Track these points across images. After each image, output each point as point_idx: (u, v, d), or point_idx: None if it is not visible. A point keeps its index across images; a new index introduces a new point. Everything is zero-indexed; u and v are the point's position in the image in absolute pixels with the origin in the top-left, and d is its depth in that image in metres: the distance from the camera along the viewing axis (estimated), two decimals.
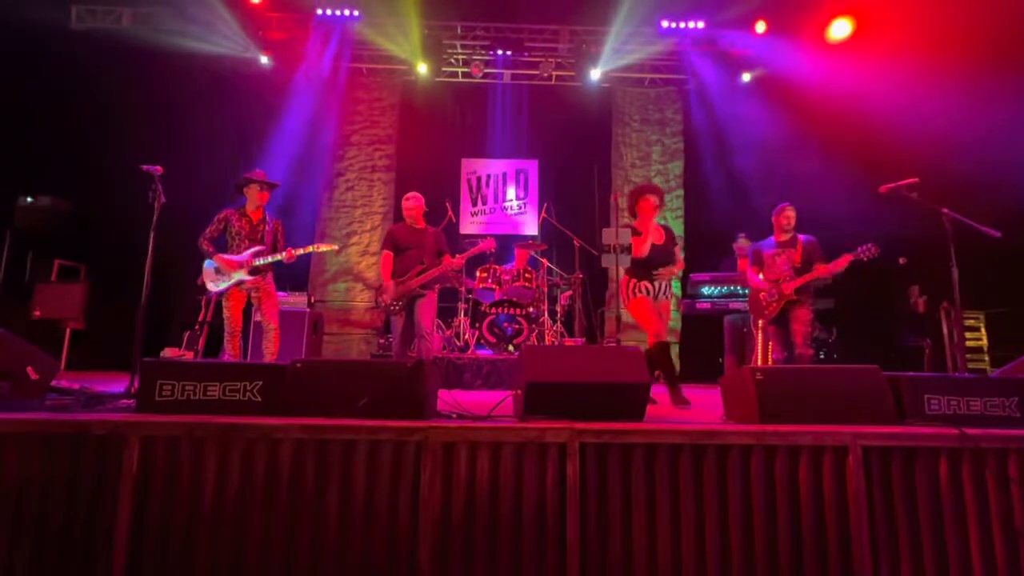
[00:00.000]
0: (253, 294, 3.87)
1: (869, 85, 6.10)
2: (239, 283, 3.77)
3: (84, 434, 1.90)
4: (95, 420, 1.94)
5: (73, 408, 2.26)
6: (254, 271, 3.79)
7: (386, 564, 1.86)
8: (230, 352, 3.76)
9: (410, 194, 4.16)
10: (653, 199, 3.63)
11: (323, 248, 4.17)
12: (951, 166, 4.88)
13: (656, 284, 3.59)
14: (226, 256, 3.78)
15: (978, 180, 4.87)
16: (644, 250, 3.53)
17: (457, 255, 4.14)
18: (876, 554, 1.90)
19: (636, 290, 3.60)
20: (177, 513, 1.88)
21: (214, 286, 3.79)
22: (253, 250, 3.80)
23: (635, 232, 3.62)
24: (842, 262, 3.71)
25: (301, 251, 3.91)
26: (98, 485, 1.89)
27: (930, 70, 5.55)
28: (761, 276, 4.00)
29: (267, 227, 3.91)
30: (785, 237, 3.98)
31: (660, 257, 3.58)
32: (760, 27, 7.04)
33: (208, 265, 3.81)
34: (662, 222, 3.77)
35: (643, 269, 3.59)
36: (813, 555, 1.89)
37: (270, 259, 3.82)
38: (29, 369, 2.37)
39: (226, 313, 3.80)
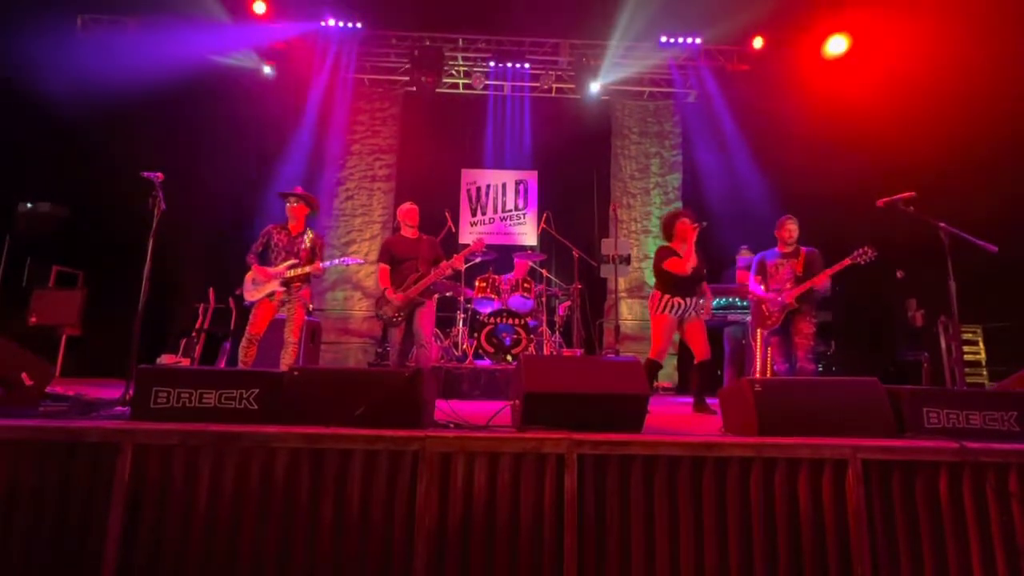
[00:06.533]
0: (286, 307, 3.93)
1: (866, 99, 6.16)
2: (271, 294, 3.86)
3: (77, 442, 1.88)
4: (89, 427, 1.92)
5: (67, 415, 2.23)
6: (287, 283, 3.88)
7: (381, 575, 1.83)
8: (242, 359, 3.76)
9: (404, 204, 4.22)
10: (688, 221, 3.77)
11: (351, 262, 4.24)
12: (949, 180, 4.91)
13: (688, 301, 3.71)
14: (263, 268, 3.89)
15: (976, 194, 4.91)
16: (687, 269, 3.65)
17: (454, 256, 4.15)
18: (877, 569, 1.88)
19: (666, 307, 3.71)
20: (169, 523, 1.85)
21: (249, 296, 3.90)
22: (288, 263, 3.89)
23: (673, 252, 3.75)
24: (839, 266, 3.74)
25: (328, 264, 4.04)
26: (90, 494, 1.86)
27: (927, 84, 5.62)
28: (763, 287, 4.01)
29: (305, 240, 3.99)
30: (788, 249, 4.00)
31: (695, 279, 3.73)
32: (757, 42, 7.14)
33: (248, 277, 3.92)
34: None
35: (675, 287, 3.71)
36: (813, 569, 1.87)
37: (300, 271, 3.89)
38: (24, 375, 2.35)
39: (252, 320, 3.84)
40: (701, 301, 3.76)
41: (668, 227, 3.89)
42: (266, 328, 3.87)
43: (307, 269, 3.90)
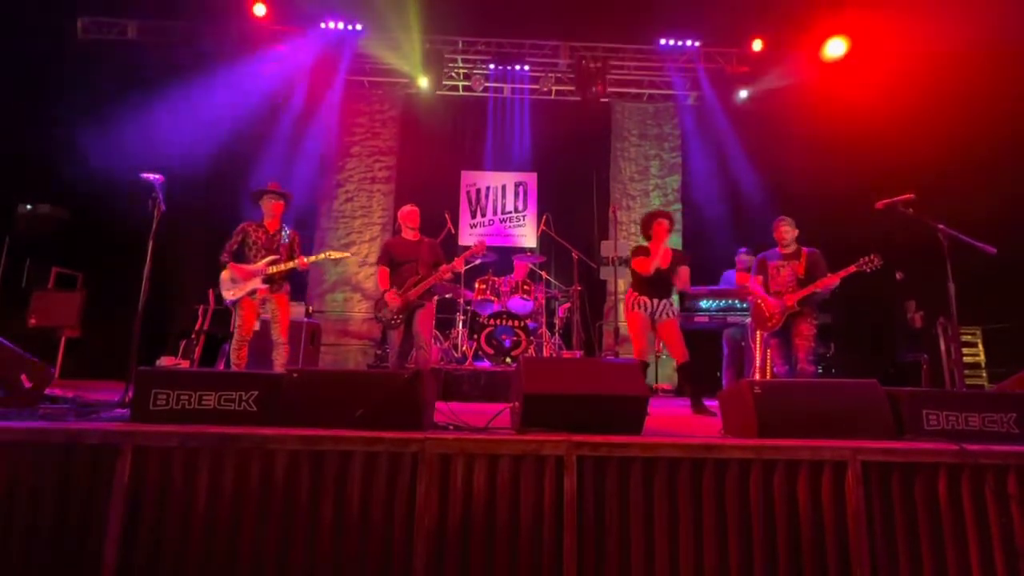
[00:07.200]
0: (268, 305, 3.88)
1: (866, 100, 6.17)
2: (252, 292, 3.80)
3: (76, 443, 1.88)
4: (88, 429, 1.92)
5: (66, 417, 2.23)
6: (268, 280, 3.83)
7: (381, 575, 1.83)
8: (235, 361, 3.74)
9: (405, 206, 4.21)
10: (665, 222, 3.85)
11: (335, 255, 4.21)
12: (949, 180, 4.92)
13: (655, 302, 3.77)
14: (241, 266, 3.81)
15: (976, 194, 4.91)
16: (650, 270, 3.72)
17: (455, 258, 4.14)
18: (876, 571, 1.87)
19: (635, 305, 3.80)
20: (169, 524, 1.85)
21: (228, 295, 3.82)
22: (268, 259, 3.84)
23: (645, 252, 3.81)
24: (844, 272, 3.72)
25: (313, 259, 3.96)
26: (90, 495, 1.86)
27: (927, 84, 5.62)
28: (764, 288, 4.00)
29: (284, 238, 3.96)
30: (788, 250, 3.97)
31: (662, 279, 3.79)
32: (756, 45, 7.15)
33: (225, 275, 3.85)
34: (673, 246, 3.97)
35: (645, 287, 3.79)
36: (812, 571, 1.87)
37: (283, 267, 3.85)
38: (23, 377, 2.36)
39: (238, 322, 3.80)
40: (668, 305, 3.79)
41: (646, 226, 3.94)
42: (255, 328, 3.84)
43: (291, 264, 3.85)
